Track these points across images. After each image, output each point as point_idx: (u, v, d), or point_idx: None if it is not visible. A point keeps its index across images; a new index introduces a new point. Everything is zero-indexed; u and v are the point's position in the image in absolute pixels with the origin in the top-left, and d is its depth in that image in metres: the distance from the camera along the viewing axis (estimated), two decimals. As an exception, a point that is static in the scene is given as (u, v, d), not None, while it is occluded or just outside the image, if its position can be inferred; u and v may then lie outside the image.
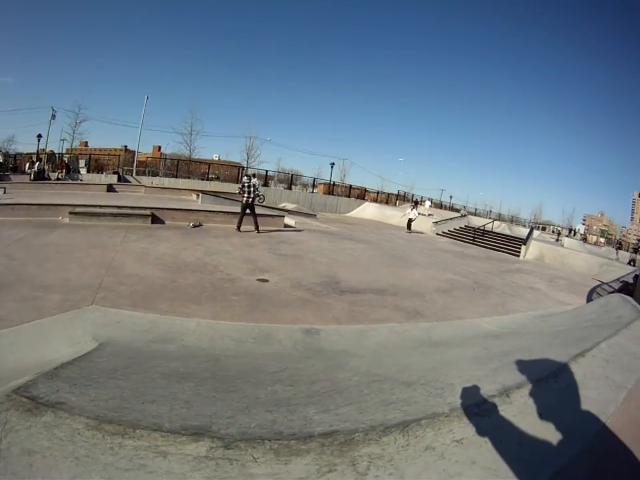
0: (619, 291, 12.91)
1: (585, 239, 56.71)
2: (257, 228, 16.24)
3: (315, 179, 53.13)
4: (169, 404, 3.05)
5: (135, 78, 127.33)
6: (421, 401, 3.22)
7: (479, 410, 2.92)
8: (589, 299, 12.50)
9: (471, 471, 2.52)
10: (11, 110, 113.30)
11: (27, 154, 42.49)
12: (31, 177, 30.43)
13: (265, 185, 40.08)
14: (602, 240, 65.06)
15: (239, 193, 16.31)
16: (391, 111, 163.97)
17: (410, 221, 30.21)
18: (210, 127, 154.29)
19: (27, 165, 33.94)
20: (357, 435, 2.56)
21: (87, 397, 3.11)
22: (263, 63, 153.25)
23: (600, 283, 16.43)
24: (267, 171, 46.92)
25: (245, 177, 17.58)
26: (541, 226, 61.37)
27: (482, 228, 32.97)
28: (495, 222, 40.01)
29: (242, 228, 16.10)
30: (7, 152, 47.67)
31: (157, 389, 3.48)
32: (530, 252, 24.23)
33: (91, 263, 9.16)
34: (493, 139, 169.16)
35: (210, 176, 45.05)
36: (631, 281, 15.88)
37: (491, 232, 32.68)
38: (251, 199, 16.20)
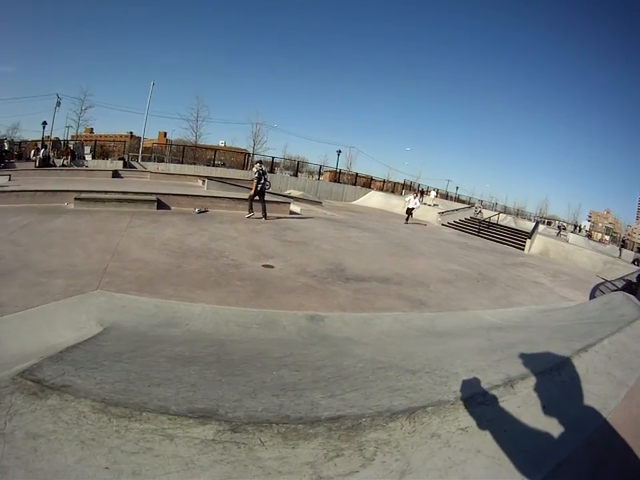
0: (622, 289, 12.86)
1: (589, 236, 56.40)
2: (265, 215, 16.20)
3: (321, 166, 52.37)
4: (175, 387, 3.04)
5: (142, 65, 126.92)
6: (426, 388, 3.22)
7: (484, 399, 2.92)
8: (592, 296, 12.43)
9: (476, 459, 2.51)
10: (16, 98, 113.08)
11: (32, 141, 42.38)
12: (36, 163, 30.45)
13: (271, 171, 39.89)
14: (607, 238, 64.60)
15: (256, 179, 16.21)
16: (399, 101, 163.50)
17: (410, 210, 27.02)
18: (216, 114, 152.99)
19: (32, 152, 33.81)
20: (363, 420, 2.55)
21: (92, 380, 3.10)
22: (270, 51, 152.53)
23: (603, 280, 16.30)
24: (272, 158, 46.76)
25: (258, 164, 17.56)
26: (546, 220, 60.96)
27: (487, 220, 32.78)
28: (500, 214, 39.80)
29: (260, 215, 16.17)
30: (12, 139, 47.69)
31: (163, 372, 3.48)
32: (535, 246, 24.06)
33: (96, 248, 9.15)
34: (501, 132, 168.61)
35: (216, 162, 44.94)
36: (635, 280, 15.87)
37: (497, 224, 32.52)
38: (261, 186, 16.21)
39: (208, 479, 2.16)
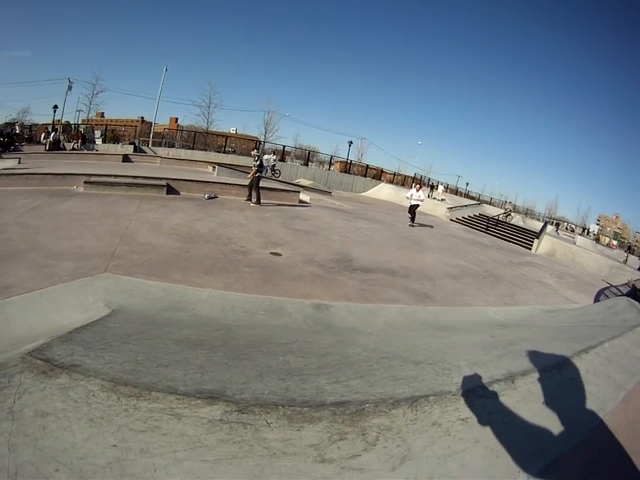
0: (627, 295, 12.82)
1: (597, 240, 55.90)
2: (258, 201, 16.24)
3: (332, 156, 51.75)
4: (183, 368, 3.09)
5: (154, 50, 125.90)
6: (428, 379, 3.26)
7: (485, 392, 2.95)
8: (597, 300, 12.40)
9: (474, 449, 2.55)
10: (27, 82, 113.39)
11: (43, 125, 42.49)
12: (46, 147, 30.47)
13: (282, 160, 39.81)
14: (614, 242, 64.04)
15: (257, 166, 16.25)
16: (412, 94, 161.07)
17: (413, 209, 21.05)
18: (228, 101, 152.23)
19: (42, 136, 33.87)
20: (367, 406, 2.59)
21: (101, 359, 3.15)
22: (285, 40, 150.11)
23: (609, 285, 16.25)
24: (284, 146, 46.44)
25: (255, 151, 18.09)
26: (554, 221, 60.42)
27: (496, 218, 32.61)
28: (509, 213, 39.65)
29: (254, 201, 16.19)
30: (22, 123, 47.80)
31: (171, 354, 3.53)
32: (542, 246, 23.85)
33: (105, 231, 9.20)
34: (514, 130, 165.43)
35: (227, 149, 44.80)
36: None
37: (505, 222, 32.39)
38: (259, 173, 16.35)
39: (214, 457, 2.20)
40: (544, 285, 12.95)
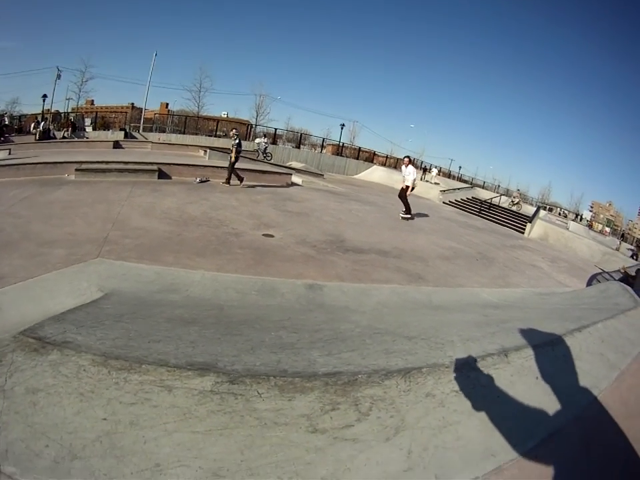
0: (619, 281, 12.89)
1: (590, 226, 55.87)
2: (228, 181, 16.29)
3: (324, 139, 52.03)
4: (174, 343, 3.08)
5: (144, 35, 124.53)
6: (421, 352, 3.27)
7: (478, 365, 2.96)
8: (589, 285, 12.46)
9: (469, 421, 2.56)
10: (15, 72, 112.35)
11: (32, 115, 42.19)
12: (36, 136, 30.22)
13: (273, 143, 39.67)
14: (607, 229, 64.02)
15: (236, 146, 16.22)
16: (404, 77, 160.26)
17: (403, 192, 16.25)
18: (219, 84, 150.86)
19: (32, 125, 33.66)
20: (360, 376, 2.60)
21: (93, 336, 3.14)
22: (275, 23, 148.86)
23: (601, 271, 16.29)
24: (275, 129, 46.17)
25: (234, 130, 18.01)
26: (547, 206, 60.32)
27: (489, 201, 32.61)
28: (502, 197, 39.55)
29: (224, 182, 16.25)
30: (12, 114, 47.57)
31: (163, 331, 3.52)
32: (535, 230, 23.79)
33: (97, 217, 9.16)
34: (507, 115, 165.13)
35: (218, 133, 44.60)
36: (633, 273, 15.91)
37: (498, 206, 32.39)
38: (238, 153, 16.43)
39: (205, 428, 2.20)
40: (537, 269, 12.98)
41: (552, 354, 3.55)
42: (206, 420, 2.24)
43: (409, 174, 15.87)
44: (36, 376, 2.55)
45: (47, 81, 72.63)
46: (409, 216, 16.07)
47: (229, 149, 16.51)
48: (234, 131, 17.97)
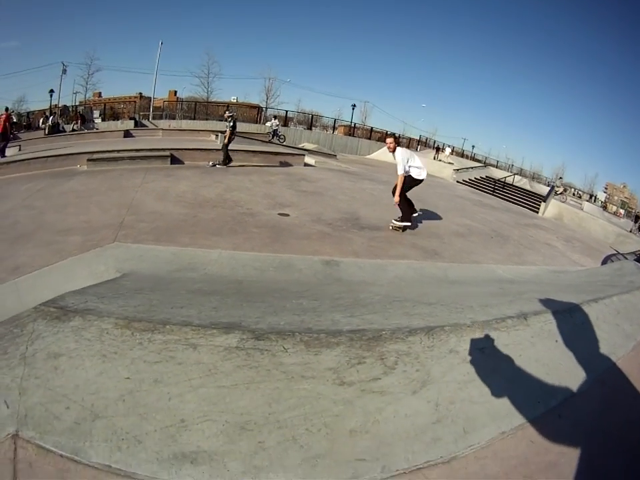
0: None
1: (605, 207, 55.32)
2: (224, 162, 16.09)
3: (335, 120, 51.61)
4: (197, 308, 3.10)
5: (148, 24, 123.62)
6: (442, 315, 3.29)
7: (499, 325, 2.98)
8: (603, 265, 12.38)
9: (493, 378, 2.58)
10: (20, 72, 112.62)
11: (40, 110, 42.40)
12: (45, 131, 30.43)
13: (285, 125, 39.64)
14: (622, 211, 63.46)
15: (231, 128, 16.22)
16: (416, 56, 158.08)
17: (405, 185, 9.51)
18: (228, 69, 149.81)
19: (41, 121, 33.87)
20: (384, 332, 2.60)
21: (115, 304, 3.16)
22: (280, 4, 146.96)
23: (615, 252, 16.08)
24: (286, 112, 46.19)
25: (227, 112, 18.22)
26: (562, 186, 59.69)
27: (503, 180, 32.39)
28: (515, 176, 39.20)
29: (220, 163, 16.09)
30: (19, 112, 47.89)
31: (184, 300, 3.56)
32: (549, 210, 23.43)
33: (111, 204, 9.18)
34: (521, 93, 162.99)
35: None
36: None
37: (512, 185, 32.17)
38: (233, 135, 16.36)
39: (230, 383, 2.21)
40: (551, 247, 12.82)
41: (570, 320, 3.55)
42: (232, 375, 2.25)
43: (398, 163, 9.37)
44: (57, 341, 2.57)
45: (53, 77, 72.90)
46: (404, 224, 9.50)
47: (243, 132, 16.44)
48: (227, 113, 17.94)
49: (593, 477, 2.44)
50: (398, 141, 9.97)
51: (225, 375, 2.25)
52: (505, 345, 2.83)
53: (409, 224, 9.63)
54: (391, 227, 9.49)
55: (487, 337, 2.83)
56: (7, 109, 24.51)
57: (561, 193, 34.41)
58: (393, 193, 9.62)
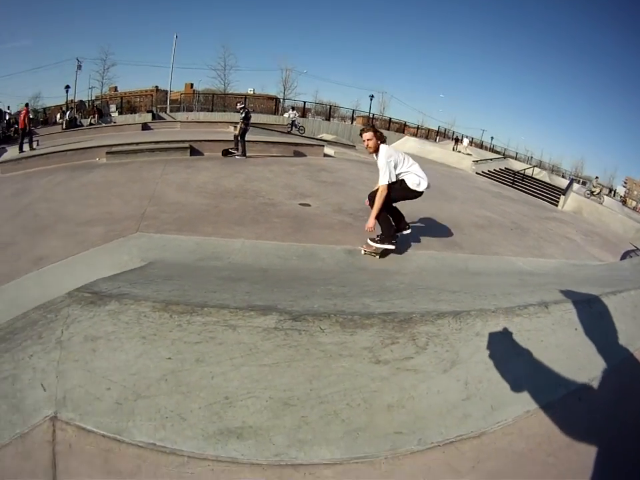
0: None
1: (624, 202, 54.50)
2: (243, 153, 16.11)
3: (353, 111, 51.81)
4: (230, 293, 3.17)
5: (163, 17, 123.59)
6: (466, 301, 3.38)
7: (521, 312, 3.04)
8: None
9: (517, 361, 2.67)
10: (35, 69, 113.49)
11: (57, 106, 42.74)
12: (62, 126, 30.76)
13: (303, 116, 39.63)
14: None
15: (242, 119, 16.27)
16: (434, 45, 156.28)
17: (394, 196, 6.63)
18: (244, 61, 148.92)
19: (58, 116, 34.33)
20: (414, 315, 2.67)
21: (149, 290, 3.24)
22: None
23: (635, 247, 15.95)
24: (304, 103, 46.32)
25: (239, 104, 18.35)
26: (581, 180, 58.78)
27: (522, 172, 32.16)
28: (535, 168, 38.86)
29: (239, 154, 16.10)
30: (35, 108, 48.38)
31: (215, 285, 3.64)
32: (568, 203, 23.15)
33: (132, 195, 9.27)
34: (541, 85, 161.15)
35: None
36: None
37: (531, 177, 31.92)
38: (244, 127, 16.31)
39: (271, 361, 2.28)
40: (570, 241, 12.72)
41: (589, 310, 3.58)
42: (272, 354, 2.31)
43: (380, 169, 6.48)
44: (94, 325, 2.62)
45: (68, 73, 73.61)
46: (385, 247, 6.66)
47: (261, 123, 16.47)
48: (239, 104, 17.98)
49: (612, 458, 2.52)
50: (381, 137, 6.57)
51: (265, 353, 2.32)
52: (527, 331, 2.90)
53: (392, 247, 6.59)
54: (363, 251, 6.67)
55: (511, 322, 2.90)
56: (26, 105, 24.89)
57: (597, 194, 30.86)
58: (371, 202, 6.63)
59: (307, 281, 4.29)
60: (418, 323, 2.61)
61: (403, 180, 6.54)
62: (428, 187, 6.69)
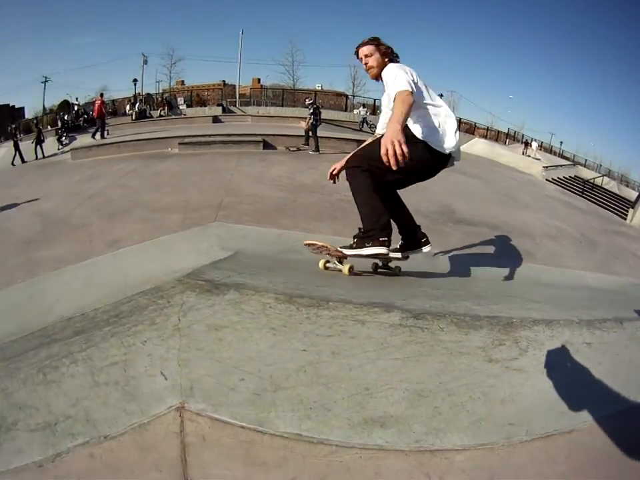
0: None
1: None
2: (317, 149, 16.31)
3: (423, 108, 50.51)
4: (341, 288, 3.33)
5: (229, 11, 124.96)
6: (551, 312, 3.45)
7: (601, 325, 3.11)
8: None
9: (599, 368, 2.73)
10: (101, 63, 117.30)
11: (125, 98, 43.91)
12: (132, 117, 32.10)
13: (373, 113, 39.03)
14: None
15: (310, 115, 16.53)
16: (503, 44, 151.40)
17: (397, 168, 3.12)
18: (311, 57, 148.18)
19: (128, 107, 35.54)
20: (514, 320, 2.81)
21: (261, 280, 3.36)
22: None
23: None
24: (374, 100, 44.66)
25: (308, 100, 18.99)
26: None
27: (591, 181, 31.42)
28: (604, 177, 37.78)
29: (313, 149, 16.26)
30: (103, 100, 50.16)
31: (320, 280, 3.78)
32: (637, 216, 22.64)
33: (208, 185, 9.56)
34: (613, 90, 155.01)
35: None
36: None
37: (600, 187, 31.14)
38: (312, 123, 16.49)
39: (403, 356, 2.41)
40: (639, 259, 12.48)
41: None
42: (402, 348, 2.44)
43: (392, 80, 3.67)
44: (216, 314, 2.66)
45: (133, 67, 75.64)
46: (359, 253, 3.98)
47: (332, 119, 16.61)
48: (308, 100, 18.09)
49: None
50: (387, 52, 4.12)
51: (396, 348, 2.43)
52: (606, 344, 2.98)
53: (383, 251, 3.84)
54: (323, 264, 4.44)
55: (592, 334, 2.98)
56: (101, 95, 26.15)
57: None
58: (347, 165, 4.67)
59: (399, 281, 4.42)
60: (519, 327, 2.74)
61: (417, 128, 3.93)
62: (457, 151, 4.18)
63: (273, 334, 2.50)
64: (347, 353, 2.39)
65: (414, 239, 4.48)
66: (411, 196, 10.27)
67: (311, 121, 16.15)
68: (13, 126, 30.23)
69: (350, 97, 51.27)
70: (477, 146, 37.34)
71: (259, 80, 71.75)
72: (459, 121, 43.61)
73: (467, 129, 46.70)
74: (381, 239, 3.78)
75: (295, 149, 16.26)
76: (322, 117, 17.35)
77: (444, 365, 2.39)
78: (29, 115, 47.20)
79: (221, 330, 2.54)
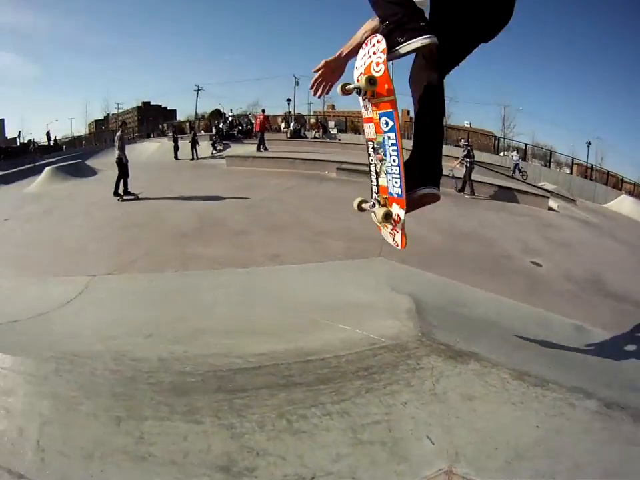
0: None
1: None
2: (472, 192, 16.41)
3: (573, 158, 45.25)
4: (540, 365, 3.65)
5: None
6: None
7: None
8: None
9: None
10: (254, 79, 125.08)
11: (275, 115, 46.20)
12: (287, 135, 33.92)
13: (524, 159, 37.21)
14: None
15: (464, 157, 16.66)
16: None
17: None
18: (462, 93, 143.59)
19: (282, 125, 37.88)
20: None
21: (485, 348, 3.63)
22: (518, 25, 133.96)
23: None
24: (525, 145, 43.27)
25: (463, 141, 18.91)
26: None
27: None
28: None
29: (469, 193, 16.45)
30: (253, 114, 52.75)
31: (511, 349, 4.10)
32: None
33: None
34: None
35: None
36: None
37: None
38: (467, 166, 16.69)
39: (600, 439, 2.68)
40: None
41: None
42: (599, 433, 2.73)
43: None
44: (465, 383, 2.92)
45: (285, 87, 79.31)
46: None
47: (483, 162, 16.64)
48: (463, 141, 18.04)
49: None
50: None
51: (593, 433, 2.71)
52: None
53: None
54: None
55: None
56: (263, 111, 27.78)
57: None
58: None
59: (562, 354, 4.61)
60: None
61: None
62: None
63: (513, 409, 2.77)
64: (566, 432, 2.68)
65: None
66: (566, 261, 10.17)
67: (466, 164, 16.24)
68: (173, 125, 33.34)
69: (500, 138, 48.60)
70: (624, 204, 31.62)
71: (408, 112, 71.54)
72: (607, 173, 41.32)
73: (613, 182, 41.94)
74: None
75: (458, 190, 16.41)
76: (475, 160, 17.36)
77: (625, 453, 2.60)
78: (180, 117, 51.70)
79: (473, 400, 2.80)
